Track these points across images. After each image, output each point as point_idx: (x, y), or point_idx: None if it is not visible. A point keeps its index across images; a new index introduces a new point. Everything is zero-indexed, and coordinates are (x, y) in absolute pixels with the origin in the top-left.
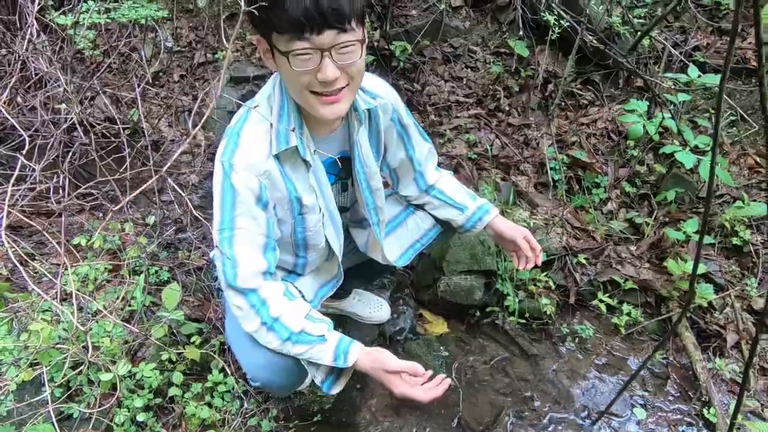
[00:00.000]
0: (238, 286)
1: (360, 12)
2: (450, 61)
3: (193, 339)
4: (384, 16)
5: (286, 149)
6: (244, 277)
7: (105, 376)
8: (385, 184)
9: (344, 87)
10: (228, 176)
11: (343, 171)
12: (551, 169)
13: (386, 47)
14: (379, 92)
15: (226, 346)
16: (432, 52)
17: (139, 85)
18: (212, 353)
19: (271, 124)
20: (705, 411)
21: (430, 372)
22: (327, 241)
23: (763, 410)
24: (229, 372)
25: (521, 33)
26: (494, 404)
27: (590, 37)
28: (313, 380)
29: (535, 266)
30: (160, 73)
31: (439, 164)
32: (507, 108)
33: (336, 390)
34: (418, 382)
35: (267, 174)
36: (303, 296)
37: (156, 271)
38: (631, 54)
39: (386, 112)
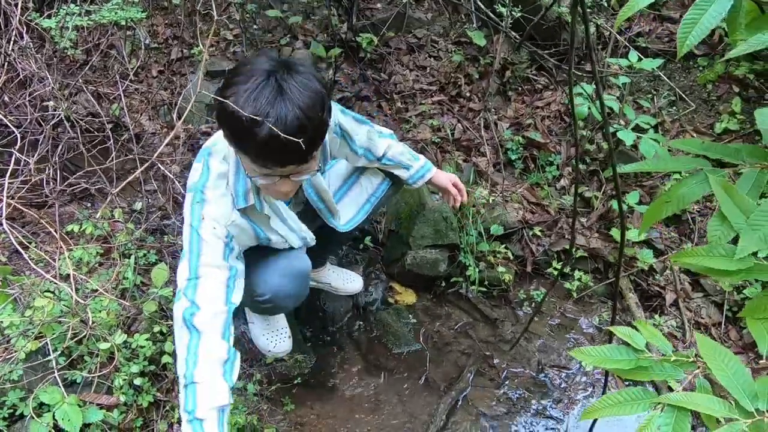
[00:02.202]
0: (192, 324)
1: (321, 140)
2: (414, 52)
3: None
4: (350, 9)
5: (245, 207)
6: (200, 321)
7: (103, 345)
8: None
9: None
10: (195, 229)
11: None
12: (509, 150)
13: (353, 39)
14: None
15: None
16: (397, 43)
17: (122, 83)
18: None
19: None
20: None
21: None
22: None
23: (696, 360)
24: None
25: (476, 24)
26: (458, 363)
27: (513, 33)
28: (296, 357)
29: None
30: (139, 69)
31: None
32: (468, 94)
33: None
34: None
35: (233, 223)
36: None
37: (144, 254)
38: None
39: (330, 131)
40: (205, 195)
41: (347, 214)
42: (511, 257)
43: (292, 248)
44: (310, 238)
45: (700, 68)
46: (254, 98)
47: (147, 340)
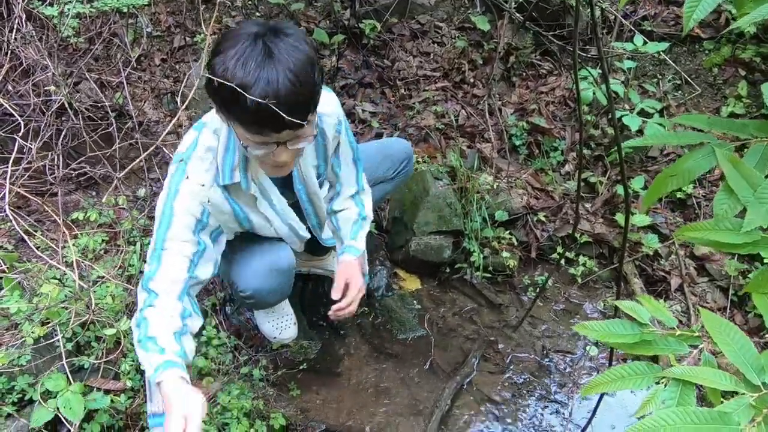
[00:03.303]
0: (148, 287)
1: (315, 103)
2: (417, 38)
3: None
4: None
5: (230, 184)
6: (156, 283)
7: (110, 331)
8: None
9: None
10: (170, 200)
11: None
12: (513, 135)
13: (356, 26)
14: (327, 110)
15: (217, 307)
16: (400, 29)
17: (125, 71)
18: (206, 311)
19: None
20: None
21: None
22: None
23: (701, 334)
24: (221, 328)
25: (480, 9)
26: (462, 349)
27: (517, 15)
28: (301, 343)
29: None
30: (142, 57)
31: (409, 136)
32: (472, 80)
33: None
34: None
35: (210, 201)
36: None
37: (149, 241)
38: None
39: (333, 125)
40: (188, 168)
41: (325, 233)
42: (516, 243)
43: (280, 239)
44: (300, 229)
45: (706, 52)
46: (243, 63)
47: None
